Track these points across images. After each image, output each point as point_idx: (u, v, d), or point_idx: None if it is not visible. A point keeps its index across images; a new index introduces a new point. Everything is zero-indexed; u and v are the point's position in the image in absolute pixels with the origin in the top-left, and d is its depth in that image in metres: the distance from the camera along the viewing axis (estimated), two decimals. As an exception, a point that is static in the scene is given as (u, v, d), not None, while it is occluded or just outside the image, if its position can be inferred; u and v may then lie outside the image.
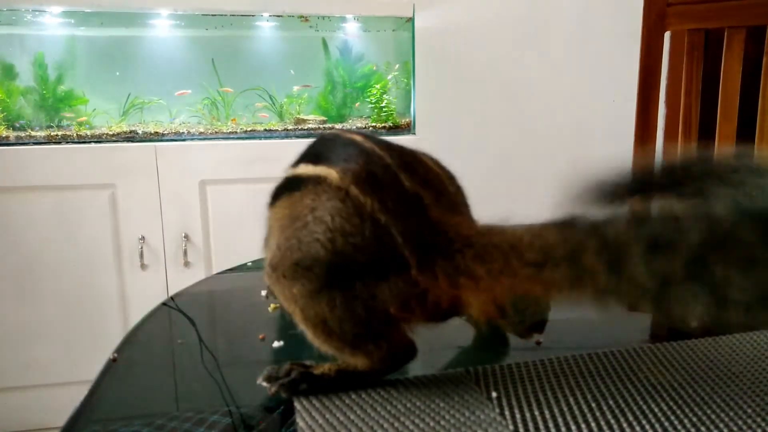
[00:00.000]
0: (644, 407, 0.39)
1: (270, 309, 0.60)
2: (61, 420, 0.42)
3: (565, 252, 0.39)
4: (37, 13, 1.83)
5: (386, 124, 2.03)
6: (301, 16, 1.95)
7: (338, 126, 2.00)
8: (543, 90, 2.25)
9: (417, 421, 0.38)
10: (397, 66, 2.11)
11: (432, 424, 0.38)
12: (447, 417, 0.39)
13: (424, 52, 2.07)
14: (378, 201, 0.42)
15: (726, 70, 1.27)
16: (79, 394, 0.44)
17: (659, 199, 0.42)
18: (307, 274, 0.42)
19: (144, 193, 1.72)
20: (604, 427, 0.37)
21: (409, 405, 0.40)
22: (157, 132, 1.85)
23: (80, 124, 1.88)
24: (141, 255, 1.74)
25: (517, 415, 0.39)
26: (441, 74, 2.17)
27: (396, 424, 0.38)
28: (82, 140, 1.78)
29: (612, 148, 2.23)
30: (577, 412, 0.39)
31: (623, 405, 0.40)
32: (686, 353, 0.47)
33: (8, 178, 1.64)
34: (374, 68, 2.09)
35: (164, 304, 0.64)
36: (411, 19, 1.98)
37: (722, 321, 0.37)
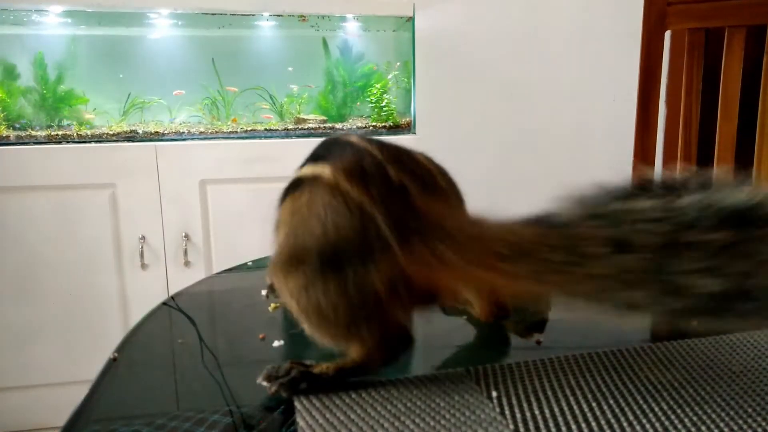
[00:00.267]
0: (644, 406, 0.39)
1: (270, 309, 0.60)
2: (61, 420, 0.42)
3: (529, 247, 0.42)
4: (37, 13, 1.83)
5: (386, 124, 2.03)
6: (301, 16, 1.95)
7: (339, 125, 2.00)
8: (543, 89, 2.25)
9: (417, 420, 0.38)
10: (398, 64, 2.11)
11: (432, 423, 0.38)
12: (447, 416, 0.39)
13: (425, 52, 2.07)
14: (364, 191, 0.45)
15: (726, 70, 1.27)
16: (79, 393, 0.44)
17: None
18: (302, 266, 0.45)
19: (144, 193, 1.72)
20: (605, 427, 0.37)
21: (409, 404, 0.40)
22: (157, 132, 1.85)
23: (81, 123, 1.89)
24: (141, 255, 1.74)
25: (518, 415, 0.39)
26: (441, 74, 2.17)
27: (396, 424, 0.38)
28: (82, 140, 1.78)
29: (612, 148, 2.23)
30: (577, 412, 0.39)
31: (623, 404, 0.40)
32: (686, 352, 0.47)
33: (8, 178, 1.64)
34: (374, 68, 2.09)
35: (164, 303, 0.64)
36: (411, 19, 1.98)
37: (683, 320, 0.38)
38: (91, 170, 1.69)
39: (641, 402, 0.40)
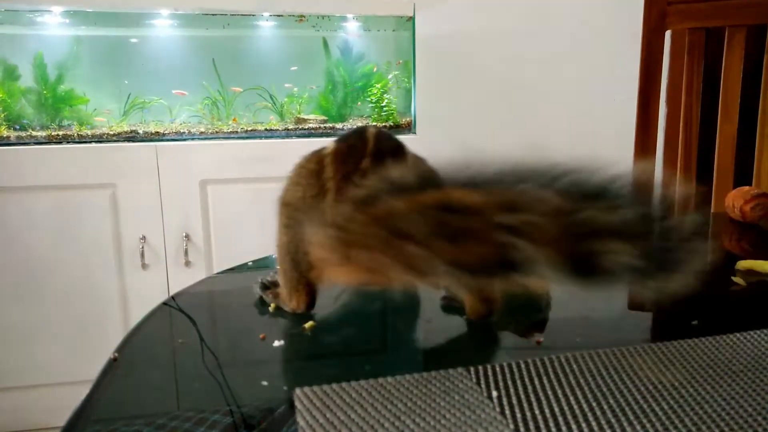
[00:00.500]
0: (645, 406, 0.39)
1: (270, 308, 0.60)
2: (62, 420, 0.42)
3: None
4: (37, 13, 1.83)
5: (387, 124, 2.03)
6: (300, 16, 1.95)
7: (339, 125, 2.00)
8: (543, 89, 2.25)
9: (417, 420, 0.38)
10: (399, 61, 2.11)
11: (432, 423, 0.38)
12: (447, 416, 0.39)
13: (425, 52, 2.07)
14: (335, 168, 0.51)
15: (726, 69, 1.27)
16: (80, 393, 0.44)
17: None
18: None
19: (145, 193, 1.72)
20: (605, 426, 0.37)
21: (409, 404, 0.40)
22: (157, 132, 1.85)
23: (81, 124, 1.89)
24: (142, 255, 1.74)
25: (518, 414, 0.39)
26: (441, 74, 2.17)
27: (396, 423, 0.38)
28: (82, 140, 1.78)
29: (612, 148, 2.23)
30: (577, 411, 0.39)
31: (624, 404, 0.40)
32: (687, 352, 0.47)
33: (8, 178, 1.65)
34: (375, 68, 2.09)
35: (165, 303, 0.64)
36: (411, 19, 1.98)
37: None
38: (91, 170, 1.70)
39: (641, 401, 0.40)
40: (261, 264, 0.77)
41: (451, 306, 0.58)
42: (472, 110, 2.22)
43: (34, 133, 1.78)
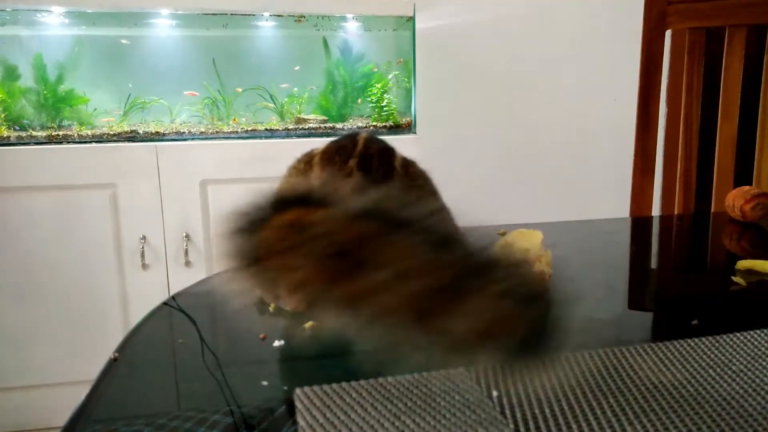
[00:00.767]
0: (645, 405, 0.39)
1: (270, 308, 0.60)
2: (62, 420, 0.42)
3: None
4: (37, 13, 1.83)
5: (387, 124, 2.03)
6: (300, 16, 1.95)
7: (339, 125, 2.00)
8: (544, 89, 2.25)
9: (417, 420, 0.38)
10: (400, 60, 2.11)
11: (432, 423, 0.38)
12: (447, 416, 0.39)
13: (425, 52, 2.07)
14: (321, 168, 0.51)
15: (727, 69, 1.27)
16: (80, 393, 0.44)
17: None
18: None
19: (145, 193, 1.72)
20: (605, 426, 0.37)
21: (409, 404, 0.40)
22: (158, 132, 1.86)
23: (82, 123, 1.89)
24: (142, 255, 1.74)
25: (518, 414, 0.39)
26: (441, 74, 2.17)
27: (396, 423, 0.38)
28: (82, 140, 1.78)
29: (612, 148, 2.23)
30: (577, 411, 0.39)
31: (624, 403, 0.40)
32: (687, 352, 0.47)
33: (9, 178, 1.65)
34: (375, 68, 2.09)
35: (165, 303, 0.64)
36: (411, 19, 1.98)
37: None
38: (91, 170, 1.70)
39: (642, 401, 0.40)
40: (261, 264, 0.77)
41: None
42: (472, 110, 2.22)
43: (34, 133, 1.78)
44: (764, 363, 0.45)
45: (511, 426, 0.37)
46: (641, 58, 1.32)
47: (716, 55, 1.30)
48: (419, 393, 0.42)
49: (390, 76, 2.08)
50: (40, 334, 1.72)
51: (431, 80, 2.13)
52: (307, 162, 0.54)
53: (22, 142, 1.74)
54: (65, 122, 1.90)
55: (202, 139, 1.84)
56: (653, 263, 0.80)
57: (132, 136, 1.82)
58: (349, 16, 2.02)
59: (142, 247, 1.73)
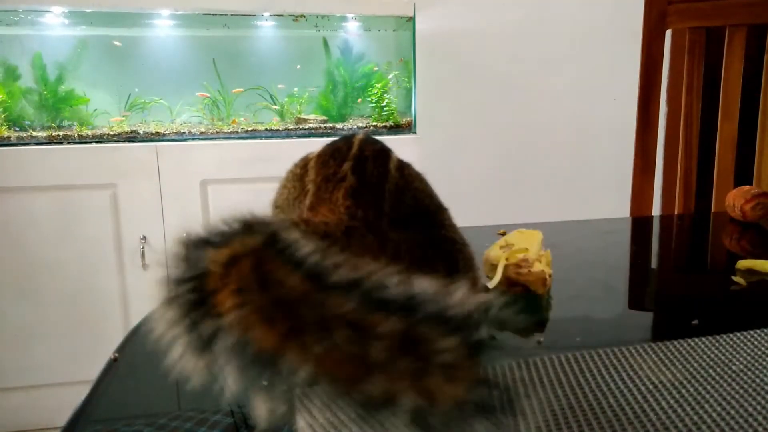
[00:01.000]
0: (645, 405, 0.39)
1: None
2: (62, 420, 0.42)
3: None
4: (37, 13, 1.83)
5: (387, 124, 2.03)
6: (301, 15, 1.95)
7: (339, 125, 2.00)
8: (544, 89, 2.25)
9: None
10: (400, 59, 2.11)
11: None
12: (447, 416, 0.38)
13: (425, 52, 2.08)
14: (316, 171, 0.49)
15: (727, 69, 1.27)
16: (80, 394, 0.44)
17: None
18: (272, 211, 0.53)
19: (145, 193, 1.72)
20: (605, 425, 0.37)
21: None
22: (158, 132, 1.86)
23: (82, 123, 1.89)
24: (142, 255, 1.74)
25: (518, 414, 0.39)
26: (441, 74, 2.17)
27: (397, 423, 0.38)
28: (83, 140, 1.78)
29: (613, 147, 2.23)
30: (578, 410, 0.39)
31: (624, 403, 0.40)
32: (687, 351, 0.47)
33: (9, 178, 1.65)
34: (375, 68, 2.09)
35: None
36: (412, 19, 1.98)
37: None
38: (91, 170, 1.70)
39: (641, 401, 0.40)
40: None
41: None
42: (472, 110, 2.22)
43: (34, 134, 1.78)
44: (764, 363, 0.45)
45: (511, 426, 0.37)
46: (641, 57, 1.32)
47: (716, 54, 1.30)
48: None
49: (390, 76, 2.08)
50: (40, 334, 1.72)
51: (431, 80, 2.13)
52: (303, 166, 0.53)
53: (22, 142, 1.74)
54: (65, 122, 1.90)
55: (202, 139, 1.84)
56: (653, 263, 0.80)
57: (132, 136, 1.82)
58: (349, 16, 2.02)
59: (142, 247, 1.73)
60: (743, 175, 1.30)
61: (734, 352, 0.47)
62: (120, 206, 1.71)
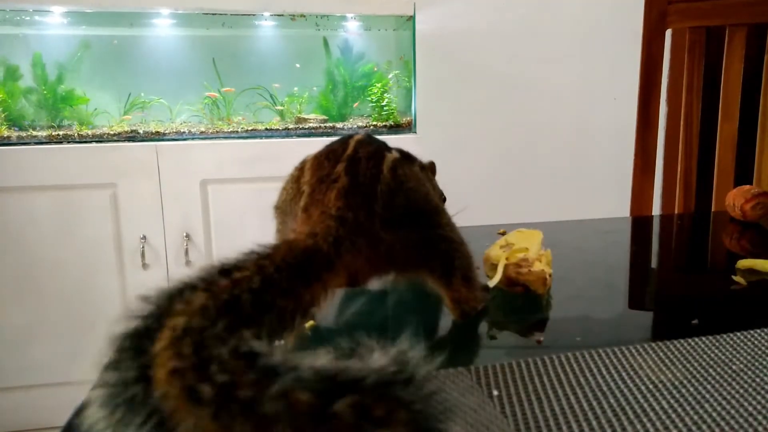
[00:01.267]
0: (645, 405, 0.39)
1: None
2: (61, 420, 0.42)
3: None
4: (37, 13, 1.83)
5: (387, 123, 2.03)
6: (300, 15, 1.95)
7: (339, 125, 2.00)
8: (544, 88, 2.25)
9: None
10: (401, 57, 2.10)
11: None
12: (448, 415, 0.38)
13: (425, 51, 2.08)
14: (311, 173, 0.51)
15: (727, 69, 1.27)
16: (79, 394, 0.44)
17: None
18: (274, 213, 0.56)
19: (145, 193, 1.72)
20: (605, 425, 0.37)
21: (409, 403, 0.40)
22: (158, 131, 1.86)
23: (82, 123, 1.88)
24: (142, 254, 1.74)
25: (518, 414, 0.39)
26: (441, 73, 2.17)
27: (396, 423, 0.38)
28: (83, 140, 1.78)
29: (613, 147, 2.23)
30: (577, 410, 0.39)
31: (624, 403, 0.40)
32: (687, 351, 0.47)
33: (9, 177, 1.65)
34: (375, 68, 2.09)
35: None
36: (412, 18, 1.98)
37: None
38: (91, 170, 1.70)
39: (642, 400, 0.40)
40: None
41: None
42: (472, 110, 2.22)
43: (34, 133, 1.78)
44: (764, 363, 0.45)
45: (512, 425, 0.37)
46: (641, 57, 1.32)
47: (716, 54, 1.30)
48: (419, 392, 0.42)
49: (390, 76, 2.08)
50: (40, 334, 1.72)
51: (431, 80, 2.13)
52: (300, 168, 0.54)
53: (22, 142, 1.74)
54: (65, 122, 1.90)
55: (202, 138, 1.84)
56: (653, 263, 0.80)
57: (132, 136, 1.82)
58: (349, 15, 2.02)
59: (143, 247, 1.73)
60: (743, 174, 1.30)
61: (734, 352, 0.47)
62: (120, 206, 1.71)
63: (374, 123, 2.01)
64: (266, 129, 1.93)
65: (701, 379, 0.42)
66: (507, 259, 0.60)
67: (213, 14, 1.91)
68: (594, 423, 0.37)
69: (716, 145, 1.29)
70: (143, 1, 1.80)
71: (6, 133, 1.76)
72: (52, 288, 1.71)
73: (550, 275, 0.60)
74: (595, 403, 0.40)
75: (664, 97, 1.33)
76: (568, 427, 0.37)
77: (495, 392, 0.41)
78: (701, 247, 0.93)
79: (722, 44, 1.28)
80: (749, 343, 0.48)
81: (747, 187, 0.96)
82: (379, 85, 2.05)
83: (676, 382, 0.42)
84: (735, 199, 0.94)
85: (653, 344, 0.48)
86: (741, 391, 0.41)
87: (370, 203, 0.47)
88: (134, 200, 1.72)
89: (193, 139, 1.84)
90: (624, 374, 0.44)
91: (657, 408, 0.39)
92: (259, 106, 2.05)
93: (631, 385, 0.42)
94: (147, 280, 1.74)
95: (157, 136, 1.83)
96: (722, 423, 0.37)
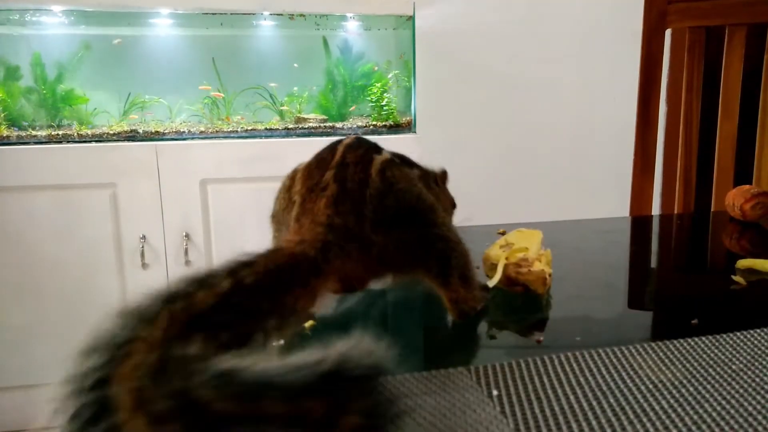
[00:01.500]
0: (645, 405, 0.39)
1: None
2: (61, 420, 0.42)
3: None
4: (37, 12, 1.83)
5: (387, 123, 2.03)
6: (299, 14, 1.95)
7: (339, 125, 2.00)
8: (543, 88, 2.25)
9: (417, 419, 0.38)
10: (401, 55, 2.10)
11: (432, 422, 0.38)
12: (448, 415, 0.39)
13: (425, 51, 2.07)
14: (302, 183, 0.51)
15: (727, 68, 1.27)
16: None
17: None
18: (270, 221, 0.56)
19: (145, 193, 1.72)
20: (605, 425, 0.37)
21: (409, 403, 0.40)
22: (157, 131, 1.86)
23: (81, 122, 1.88)
24: (142, 254, 1.74)
25: (518, 413, 0.39)
26: (441, 73, 2.17)
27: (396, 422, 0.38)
28: (82, 139, 1.78)
29: (612, 147, 2.23)
30: (577, 410, 0.39)
31: (624, 403, 0.40)
32: (687, 351, 0.47)
33: (9, 177, 1.65)
34: (375, 68, 2.09)
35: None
36: (411, 18, 1.98)
37: None
38: (91, 170, 1.70)
39: (641, 400, 0.40)
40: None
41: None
42: (472, 110, 2.22)
43: (34, 133, 1.78)
44: (764, 363, 0.45)
45: (511, 425, 0.37)
46: (641, 57, 1.32)
47: (716, 53, 1.30)
48: (419, 392, 0.42)
49: (390, 76, 2.08)
50: (40, 334, 1.72)
51: (431, 80, 2.13)
52: (291, 177, 0.54)
53: (22, 141, 1.74)
54: (65, 122, 1.89)
55: (201, 138, 1.84)
56: (653, 262, 0.80)
57: (132, 136, 1.82)
58: (349, 15, 2.02)
59: (142, 247, 1.73)
60: (743, 174, 1.30)
61: (734, 352, 0.47)
62: (120, 206, 1.71)
63: (374, 123, 2.01)
64: (266, 129, 1.93)
65: (701, 379, 0.42)
66: (507, 258, 0.60)
67: (212, 14, 1.91)
68: (594, 423, 0.37)
69: (716, 145, 1.29)
70: (143, 0, 1.80)
71: (6, 133, 1.76)
72: (51, 288, 1.71)
73: (549, 275, 0.60)
74: (594, 403, 0.40)
75: (663, 97, 1.33)
76: (568, 427, 0.37)
77: (495, 392, 0.41)
78: (701, 246, 0.93)
79: (722, 44, 1.28)
80: (749, 343, 0.48)
81: (747, 186, 0.96)
82: (378, 84, 2.05)
83: (676, 382, 0.42)
84: (735, 199, 0.94)
85: (653, 344, 0.48)
86: (741, 391, 0.41)
87: (359, 208, 0.47)
88: (134, 200, 1.72)
89: (192, 138, 1.84)
90: (624, 374, 0.44)
91: (657, 408, 0.39)
92: (259, 105, 2.05)
93: (631, 385, 0.42)
94: (147, 280, 1.74)
95: (157, 136, 1.83)
96: (722, 423, 0.37)
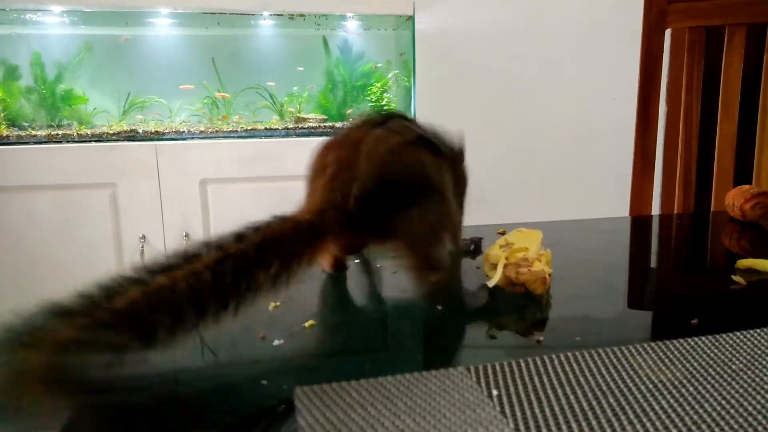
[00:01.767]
0: (645, 405, 0.39)
1: (270, 308, 0.60)
2: (61, 420, 0.42)
3: None
4: (36, 12, 1.83)
5: (386, 123, 2.02)
6: (299, 14, 1.95)
7: (339, 125, 2.00)
8: (544, 88, 2.25)
9: (418, 419, 0.38)
10: (401, 54, 2.10)
11: (432, 422, 0.38)
12: (448, 415, 0.39)
13: (425, 51, 2.07)
14: (315, 162, 0.62)
15: (727, 68, 1.27)
16: (80, 393, 0.44)
17: None
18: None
19: (145, 192, 1.72)
20: (605, 425, 0.37)
21: (409, 403, 0.40)
22: (157, 131, 1.86)
23: (81, 122, 1.88)
24: (142, 254, 1.74)
25: (518, 413, 0.39)
26: (441, 73, 2.17)
27: (396, 422, 0.38)
28: (82, 139, 1.78)
29: (612, 147, 2.23)
30: (577, 410, 0.39)
31: (624, 403, 0.40)
32: (687, 351, 0.47)
33: (9, 177, 1.65)
34: (375, 67, 2.09)
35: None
36: (411, 18, 1.98)
37: None
38: (91, 170, 1.70)
39: (641, 400, 0.40)
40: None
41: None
42: (471, 110, 2.22)
43: (34, 133, 1.78)
44: (764, 363, 0.45)
45: (511, 425, 0.37)
46: (641, 57, 1.32)
47: (716, 53, 1.30)
48: (419, 392, 0.42)
49: (389, 75, 2.08)
50: (40, 334, 1.72)
51: (431, 80, 2.13)
52: (314, 155, 0.64)
53: (22, 141, 1.74)
54: (65, 122, 1.89)
55: (201, 138, 1.84)
56: (653, 262, 0.80)
57: (131, 136, 1.82)
58: (349, 15, 2.02)
59: (142, 247, 1.73)
60: (743, 174, 1.30)
61: (734, 352, 0.47)
62: (119, 206, 1.71)
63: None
64: (265, 128, 1.93)
65: (701, 379, 0.42)
66: (507, 258, 0.60)
67: (212, 14, 1.91)
68: (594, 423, 0.37)
69: (716, 145, 1.29)
70: (143, 0, 1.80)
71: (5, 133, 1.76)
72: (51, 288, 1.70)
73: (549, 275, 0.60)
74: (594, 403, 0.40)
75: (663, 97, 1.33)
76: (568, 426, 0.37)
77: (495, 392, 0.41)
78: (701, 246, 0.93)
79: (722, 44, 1.28)
80: (749, 343, 0.48)
81: (746, 186, 0.96)
82: (378, 84, 2.05)
83: (676, 382, 0.42)
84: (734, 199, 0.94)
85: (653, 344, 0.48)
86: (741, 391, 0.41)
87: (347, 186, 0.56)
88: (134, 200, 1.72)
89: (192, 138, 1.84)
90: (624, 374, 0.44)
91: (657, 408, 0.39)
92: (259, 105, 2.05)
93: (630, 385, 0.42)
94: (147, 280, 1.74)
95: (157, 136, 1.83)
96: (722, 423, 0.37)
